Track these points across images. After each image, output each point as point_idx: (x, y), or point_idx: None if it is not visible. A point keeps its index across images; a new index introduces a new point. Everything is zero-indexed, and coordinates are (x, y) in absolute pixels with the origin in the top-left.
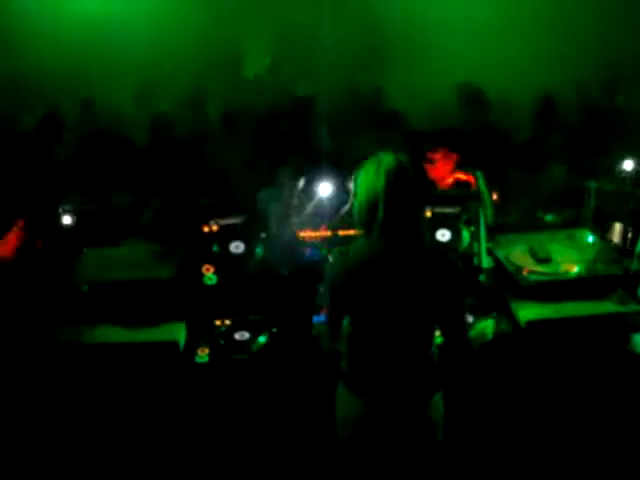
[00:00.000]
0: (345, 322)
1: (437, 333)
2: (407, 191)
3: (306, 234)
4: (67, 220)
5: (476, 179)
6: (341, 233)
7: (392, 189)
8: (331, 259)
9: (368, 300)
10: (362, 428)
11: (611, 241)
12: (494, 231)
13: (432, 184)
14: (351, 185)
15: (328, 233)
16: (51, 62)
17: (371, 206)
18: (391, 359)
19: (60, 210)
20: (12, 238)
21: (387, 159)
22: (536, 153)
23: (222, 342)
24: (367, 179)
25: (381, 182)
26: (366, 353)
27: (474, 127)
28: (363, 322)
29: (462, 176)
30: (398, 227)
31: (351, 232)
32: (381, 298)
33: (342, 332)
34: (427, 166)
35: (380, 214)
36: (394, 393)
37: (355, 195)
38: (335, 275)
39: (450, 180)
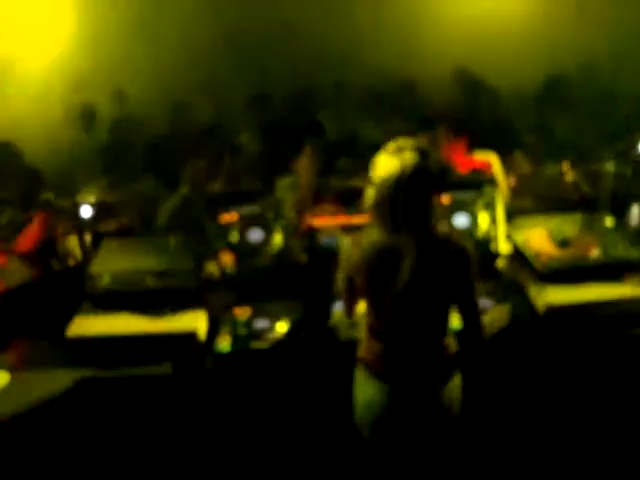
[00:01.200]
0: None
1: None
2: (425, 181)
3: (323, 221)
4: (86, 211)
5: (491, 163)
6: (358, 221)
7: (411, 178)
8: (345, 247)
9: (383, 287)
10: (380, 412)
11: (629, 224)
12: (512, 216)
13: (451, 169)
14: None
15: (346, 220)
16: None
17: (388, 194)
18: (406, 344)
19: (79, 201)
20: (33, 231)
21: (407, 146)
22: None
23: (242, 331)
24: (386, 167)
25: (400, 171)
26: (382, 338)
27: (473, 113)
28: (379, 308)
29: (477, 161)
30: (413, 216)
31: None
32: (395, 285)
33: (358, 319)
34: (444, 151)
35: (396, 203)
36: (410, 377)
37: (371, 182)
38: (349, 262)
39: (466, 167)
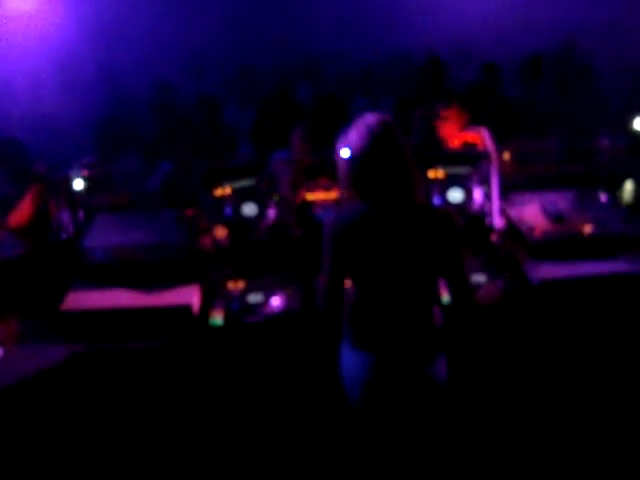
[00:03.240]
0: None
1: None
2: (393, 150)
3: (317, 195)
4: (78, 185)
5: (482, 138)
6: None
7: (377, 149)
8: (327, 221)
9: (366, 259)
10: (366, 383)
11: (623, 200)
12: (506, 191)
13: (439, 142)
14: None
15: (339, 195)
16: None
17: (358, 168)
18: (393, 316)
19: (72, 174)
20: (26, 205)
21: (371, 120)
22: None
23: (236, 305)
24: (352, 141)
25: (366, 143)
26: (368, 311)
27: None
28: (363, 281)
29: (469, 136)
30: (387, 186)
31: None
32: (379, 256)
33: (342, 293)
34: (437, 124)
35: (368, 174)
36: (397, 349)
37: (341, 158)
38: (333, 237)
39: (458, 141)
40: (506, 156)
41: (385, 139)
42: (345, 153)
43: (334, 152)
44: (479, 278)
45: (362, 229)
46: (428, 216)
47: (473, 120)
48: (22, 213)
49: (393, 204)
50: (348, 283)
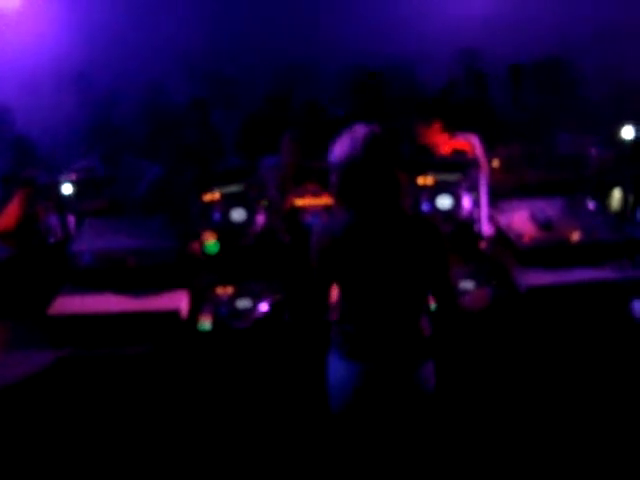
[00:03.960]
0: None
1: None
2: (382, 159)
3: (306, 201)
4: (67, 189)
5: (472, 145)
6: None
7: (367, 158)
8: (314, 230)
9: (353, 268)
10: (352, 393)
11: (611, 208)
12: (495, 197)
13: (430, 149)
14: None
15: (329, 201)
16: None
17: (348, 176)
18: (380, 324)
19: (61, 179)
20: (14, 208)
21: (360, 130)
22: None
23: (224, 310)
24: (342, 150)
25: (356, 152)
26: (356, 320)
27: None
28: (351, 290)
29: (459, 143)
30: (375, 195)
31: None
32: (366, 265)
33: (326, 302)
34: (423, 131)
35: (357, 184)
36: (383, 358)
37: (331, 167)
38: (319, 245)
39: (447, 147)
40: (495, 163)
41: (375, 149)
42: (335, 162)
43: (323, 159)
44: (467, 285)
45: (348, 239)
46: (414, 225)
47: (462, 128)
48: (9, 217)
49: (380, 213)
50: (335, 293)
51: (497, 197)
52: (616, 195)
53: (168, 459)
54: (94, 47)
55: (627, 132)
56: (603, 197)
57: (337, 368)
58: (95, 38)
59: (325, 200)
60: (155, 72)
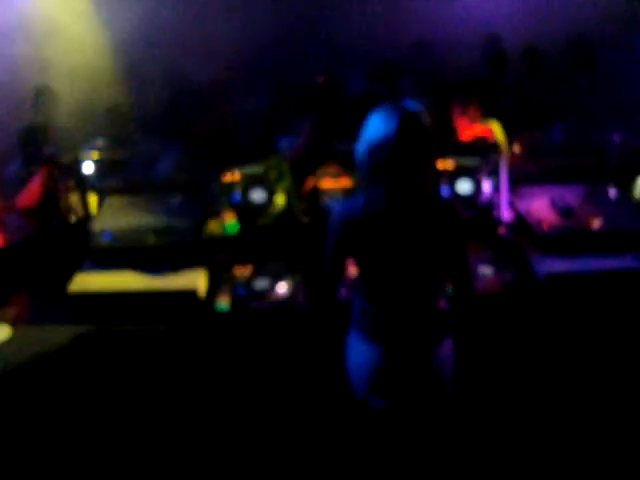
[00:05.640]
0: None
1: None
2: (418, 140)
3: (326, 183)
4: (88, 168)
5: (493, 130)
6: None
7: (402, 137)
8: (334, 211)
9: (372, 250)
10: (372, 373)
11: (633, 196)
12: (515, 183)
13: (454, 133)
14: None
15: (348, 183)
16: None
17: (378, 153)
18: (399, 306)
19: (82, 157)
20: (36, 187)
21: (400, 106)
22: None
23: (242, 290)
24: (377, 125)
25: (391, 129)
26: (374, 301)
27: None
28: (370, 271)
29: (481, 129)
30: (403, 177)
31: None
32: (385, 248)
33: (339, 282)
34: (455, 115)
35: (387, 162)
36: (403, 339)
37: (362, 141)
38: (338, 225)
39: (470, 133)
40: (516, 149)
41: (410, 129)
42: (367, 136)
43: (343, 141)
44: (486, 270)
45: (369, 220)
46: (434, 210)
47: (487, 113)
48: (31, 194)
49: (403, 196)
50: (354, 274)
51: (517, 183)
52: (639, 183)
53: (184, 438)
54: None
55: None
56: (625, 185)
57: (357, 350)
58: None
59: (344, 182)
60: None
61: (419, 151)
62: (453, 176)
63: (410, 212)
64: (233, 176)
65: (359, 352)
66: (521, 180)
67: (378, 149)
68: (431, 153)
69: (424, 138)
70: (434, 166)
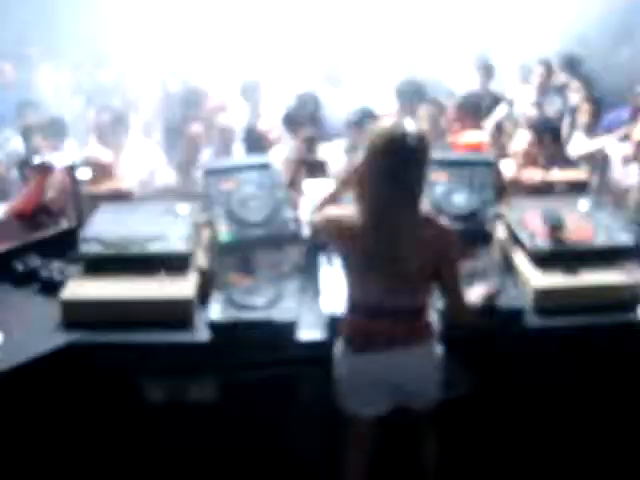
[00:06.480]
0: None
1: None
2: (413, 162)
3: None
4: (83, 173)
5: (485, 143)
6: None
7: (399, 158)
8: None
9: (369, 262)
10: (362, 385)
11: (626, 210)
12: (507, 195)
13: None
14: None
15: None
16: None
17: (374, 170)
18: (390, 319)
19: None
20: (31, 194)
21: (395, 128)
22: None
23: (235, 300)
24: (376, 144)
25: (389, 149)
26: (365, 314)
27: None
28: (363, 284)
29: (472, 140)
30: (396, 193)
31: None
32: (382, 261)
33: None
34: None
35: (382, 180)
36: (393, 351)
37: (360, 157)
38: (340, 230)
39: (461, 146)
40: (510, 159)
41: (408, 149)
42: (366, 153)
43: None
44: (476, 283)
45: (361, 233)
46: (426, 225)
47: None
48: (26, 201)
49: (403, 208)
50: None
51: (509, 195)
52: (630, 196)
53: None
54: None
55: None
56: (618, 199)
57: (345, 361)
58: None
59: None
60: None
61: (415, 170)
62: (446, 188)
63: (401, 227)
64: (229, 184)
65: (348, 365)
66: (513, 192)
67: (373, 166)
68: (424, 172)
69: (419, 161)
70: (425, 183)
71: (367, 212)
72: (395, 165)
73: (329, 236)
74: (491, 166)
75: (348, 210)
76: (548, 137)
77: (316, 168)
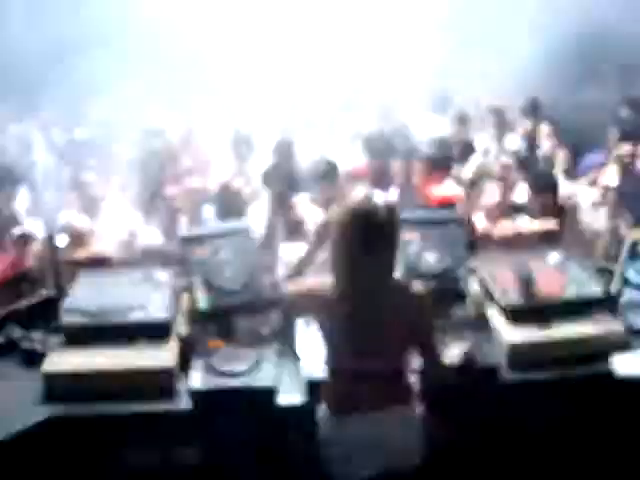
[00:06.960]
0: None
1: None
2: (384, 236)
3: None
4: (61, 241)
5: (457, 197)
6: None
7: (370, 234)
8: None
9: (338, 329)
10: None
11: (594, 260)
12: (479, 251)
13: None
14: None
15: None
16: None
17: (346, 245)
18: (369, 383)
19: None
20: (7, 261)
21: (368, 204)
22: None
23: (215, 367)
24: (346, 223)
25: (360, 226)
26: (346, 379)
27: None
28: (341, 351)
29: (445, 194)
30: (369, 265)
31: None
32: (352, 328)
33: None
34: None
35: (353, 253)
36: (370, 410)
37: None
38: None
39: (435, 198)
40: (480, 214)
41: (379, 228)
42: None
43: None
44: (452, 341)
45: (334, 302)
46: (401, 293)
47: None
48: (6, 270)
49: (371, 280)
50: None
51: (481, 250)
52: (600, 243)
53: None
54: None
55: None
56: (588, 249)
57: (330, 425)
58: None
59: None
60: None
61: (386, 244)
62: (416, 247)
63: (375, 294)
64: (204, 251)
65: (330, 428)
66: (484, 247)
67: (342, 244)
68: (396, 242)
69: (389, 238)
70: (396, 257)
71: (342, 281)
72: (367, 241)
73: (304, 309)
74: (462, 223)
75: (319, 279)
76: (548, 193)
77: (291, 227)
